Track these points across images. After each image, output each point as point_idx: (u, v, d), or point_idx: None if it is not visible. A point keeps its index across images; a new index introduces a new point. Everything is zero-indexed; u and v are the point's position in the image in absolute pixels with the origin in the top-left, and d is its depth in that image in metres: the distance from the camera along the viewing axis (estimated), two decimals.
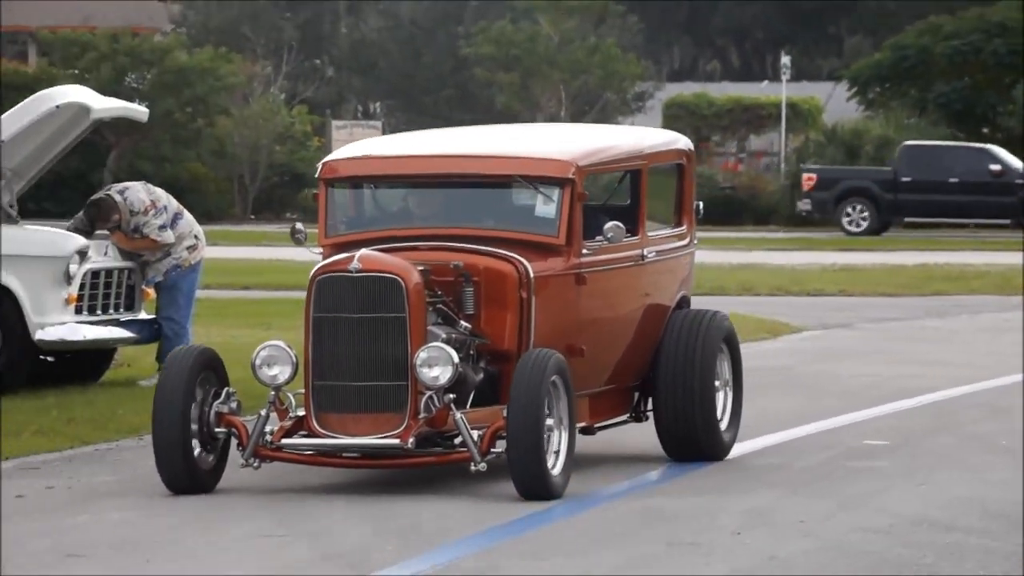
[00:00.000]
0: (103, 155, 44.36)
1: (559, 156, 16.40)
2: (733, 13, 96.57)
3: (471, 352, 15.64)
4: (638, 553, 14.90)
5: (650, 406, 17.60)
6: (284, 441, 15.19)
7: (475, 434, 15.12)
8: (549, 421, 15.19)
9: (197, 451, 15.46)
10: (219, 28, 80.00)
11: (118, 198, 24.23)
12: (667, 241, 17.67)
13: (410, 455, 15.20)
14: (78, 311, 23.65)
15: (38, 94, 25.44)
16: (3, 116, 24.63)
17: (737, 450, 19.29)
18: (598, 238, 16.21)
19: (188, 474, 15.42)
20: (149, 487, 16.39)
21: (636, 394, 17.57)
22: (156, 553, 14.01)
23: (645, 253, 17.01)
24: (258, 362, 15.29)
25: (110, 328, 24.15)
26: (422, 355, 14.88)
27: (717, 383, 17.44)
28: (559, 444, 15.40)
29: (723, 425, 17.66)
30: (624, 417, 17.64)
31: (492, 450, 15.31)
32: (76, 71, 58.43)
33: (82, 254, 23.58)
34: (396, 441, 14.98)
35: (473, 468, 15.05)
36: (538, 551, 15.17)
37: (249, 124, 68.65)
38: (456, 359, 14.90)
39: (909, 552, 14.55)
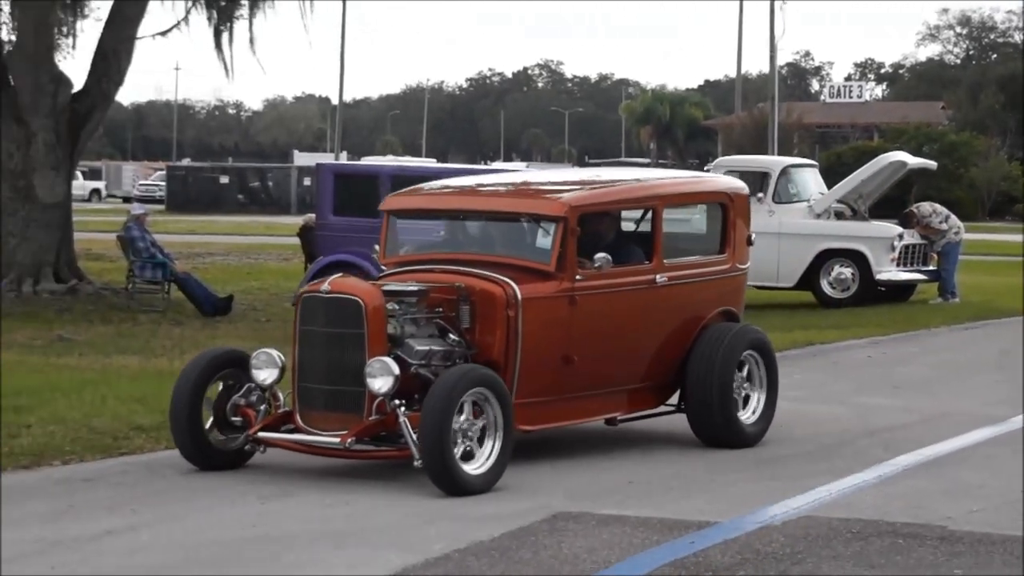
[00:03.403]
0: (907, 188, 43.59)
1: (556, 198, 10.97)
2: None
3: (458, 361, 10.26)
4: None
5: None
6: (260, 434, 10.03)
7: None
8: (480, 425, 9.70)
9: (222, 436, 10.24)
10: (972, 121, 77.61)
11: (916, 210, 24.32)
12: (698, 266, 11.63)
13: (352, 452, 9.81)
14: (898, 264, 23.67)
15: (879, 156, 25.65)
16: (862, 168, 24.94)
17: None
18: (595, 266, 10.64)
19: (197, 450, 10.11)
20: None
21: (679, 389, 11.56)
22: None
23: (657, 278, 11.16)
24: (252, 365, 10.23)
25: (913, 273, 24.07)
26: (368, 368, 9.73)
27: (747, 384, 11.50)
28: (491, 447, 9.72)
29: (751, 419, 11.46)
30: (662, 408, 11.59)
31: None
32: (898, 144, 57.50)
33: (900, 236, 23.60)
34: (337, 440, 9.73)
35: (415, 464, 9.48)
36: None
37: (988, 172, 66.74)
38: (396, 371, 9.66)
39: None
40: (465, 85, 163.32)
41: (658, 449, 11.18)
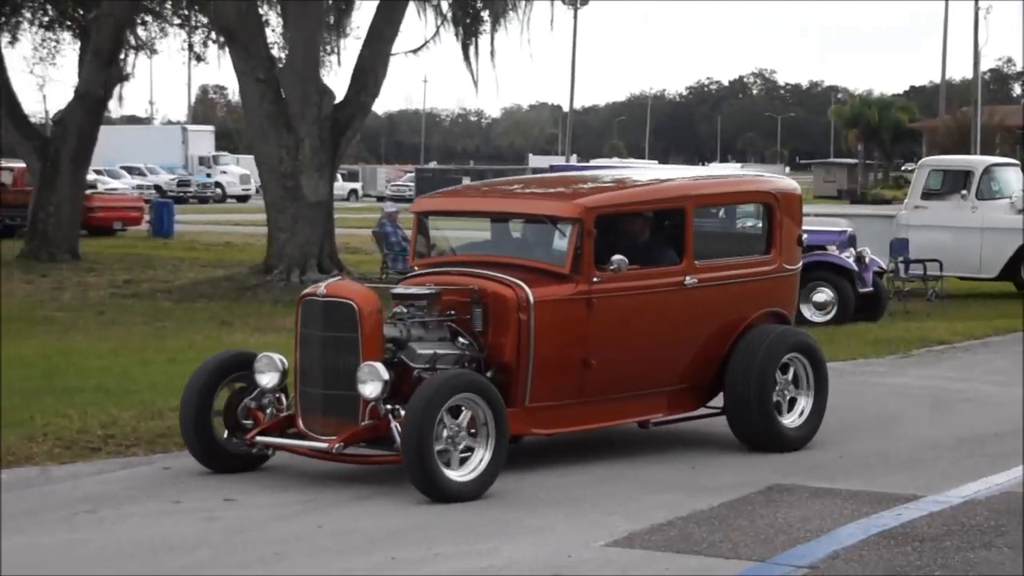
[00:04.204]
0: None
1: (572, 199, 9.71)
2: None
3: (466, 364, 9.15)
4: None
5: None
6: (258, 438, 9.10)
7: None
8: (471, 431, 8.66)
9: (235, 439, 9.26)
10: None
11: None
12: (738, 267, 10.29)
13: (344, 456, 8.86)
14: None
15: None
16: None
17: None
18: (610, 268, 9.38)
19: (207, 452, 9.21)
20: None
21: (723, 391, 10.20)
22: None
23: (687, 280, 9.85)
24: (255, 369, 9.26)
25: None
26: (358, 373, 8.71)
27: (792, 388, 10.20)
28: (482, 455, 8.65)
29: (796, 423, 10.17)
30: (703, 411, 10.27)
31: None
32: None
33: None
34: (324, 445, 8.79)
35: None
36: None
37: None
38: (385, 376, 8.65)
39: None
40: (685, 93, 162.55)
41: (864, 427, 10.99)
